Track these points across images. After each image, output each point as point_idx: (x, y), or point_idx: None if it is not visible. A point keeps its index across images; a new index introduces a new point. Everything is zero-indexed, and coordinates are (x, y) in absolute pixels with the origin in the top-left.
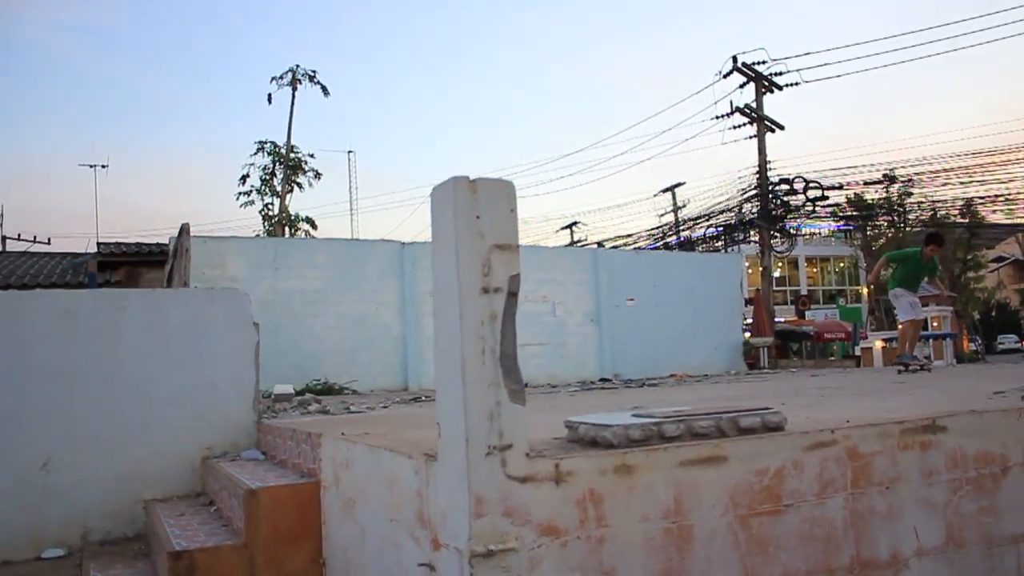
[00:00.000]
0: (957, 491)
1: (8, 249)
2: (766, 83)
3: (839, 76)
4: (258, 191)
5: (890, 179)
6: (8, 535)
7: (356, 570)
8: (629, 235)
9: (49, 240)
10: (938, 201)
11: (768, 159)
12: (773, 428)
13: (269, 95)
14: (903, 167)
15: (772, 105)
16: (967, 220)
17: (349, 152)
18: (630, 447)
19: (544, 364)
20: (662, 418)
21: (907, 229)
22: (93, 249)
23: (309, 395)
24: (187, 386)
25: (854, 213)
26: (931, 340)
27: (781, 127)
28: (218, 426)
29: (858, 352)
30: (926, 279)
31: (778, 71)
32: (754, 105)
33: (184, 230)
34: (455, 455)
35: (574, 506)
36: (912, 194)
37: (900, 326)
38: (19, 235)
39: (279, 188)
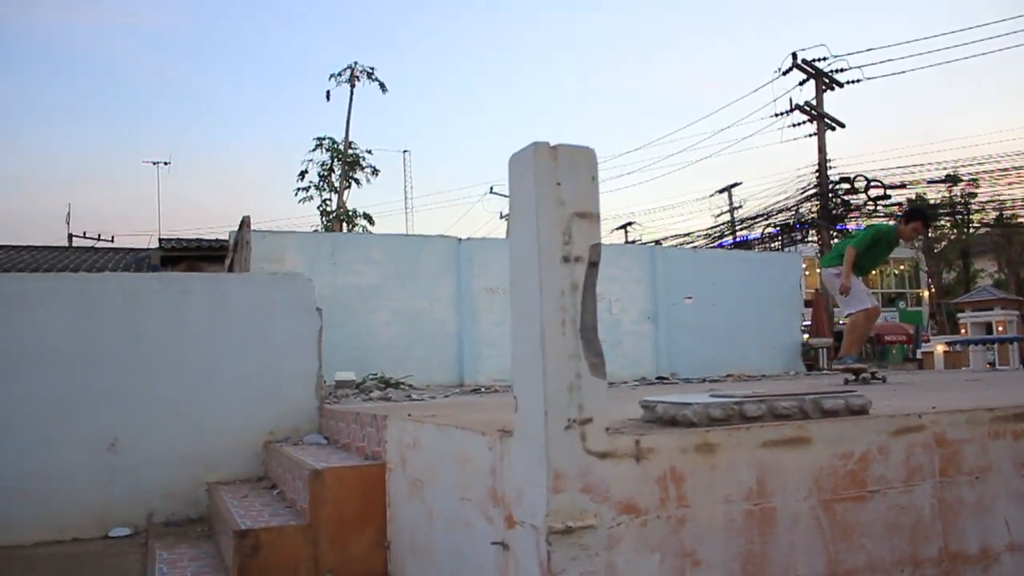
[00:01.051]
0: None
1: (74, 246)
2: (827, 80)
3: (902, 72)
4: (316, 187)
5: (953, 179)
6: (78, 513)
7: (423, 551)
8: (686, 235)
9: (112, 238)
10: (1005, 200)
11: (828, 157)
12: (857, 411)
13: (328, 92)
14: (967, 165)
15: (832, 102)
16: None
17: (404, 151)
18: (711, 426)
19: None
20: (743, 398)
21: (970, 231)
22: (155, 246)
23: (371, 382)
24: (250, 370)
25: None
26: (996, 344)
27: (842, 125)
28: (280, 410)
29: (919, 356)
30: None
31: (839, 68)
32: (814, 102)
33: (245, 223)
34: (533, 429)
35: (654, 484)
36: (976, 194)
37: (849, 319)
38: (84, 233)
39: (337, 184)
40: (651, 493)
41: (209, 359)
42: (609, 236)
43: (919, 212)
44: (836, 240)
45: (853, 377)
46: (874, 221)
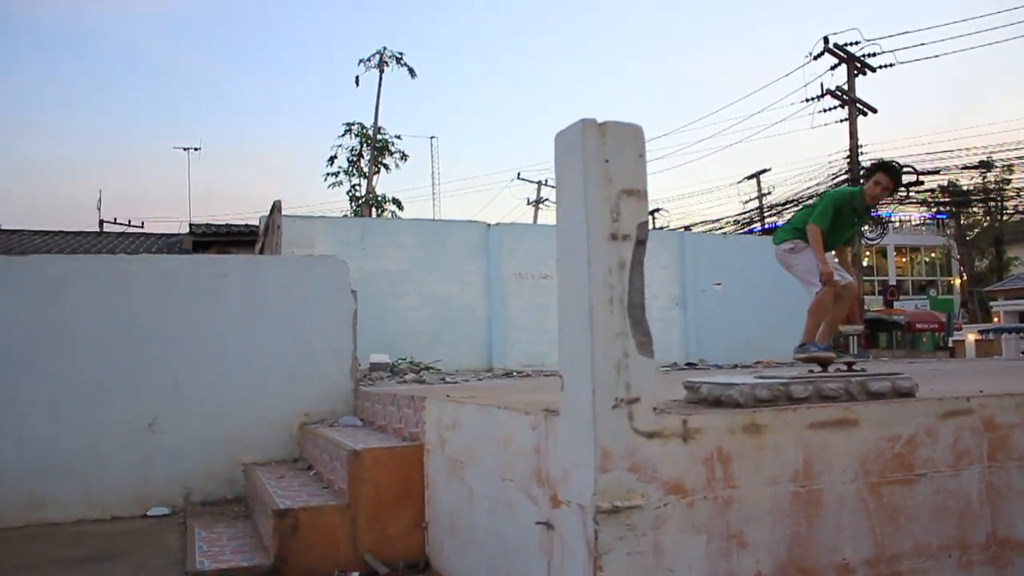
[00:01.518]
0: None
1: (105, 231)
2: (858, 64)
3: (935, 57)
4: (346, 172)
5: (987, 166)
6: (118, 492)
7: (463, 531)
8: (715, 221)
9: (143, 224)
10: None
11: (859, 143)
12: (904, 393)
13: (357, 77)
14: (1001, 152)
15: (864, 87)
16: None
17: (431, 138)
18: (757, 407)
19: None
20: (789, 379)
21: (1004, 218)
22: (185, 231)
23: (405, 365)
24: (285, 352)
25: (947, 200)
26: None
27: (874, 110)
28: (316, 392)
29: (951, 344)
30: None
31: (871, 52)
32: (846, 87)
33: (276, 207)
34: (580, 408)
35: (701, 465)
36: (1010, 180)
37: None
38: (115, 219)
39: (366, 169)
40: (698, 473)
41: (245, 341)
42: None
43: (881, 164)
44: (866, 227)
45: (820, 368)
46: (904, 209)
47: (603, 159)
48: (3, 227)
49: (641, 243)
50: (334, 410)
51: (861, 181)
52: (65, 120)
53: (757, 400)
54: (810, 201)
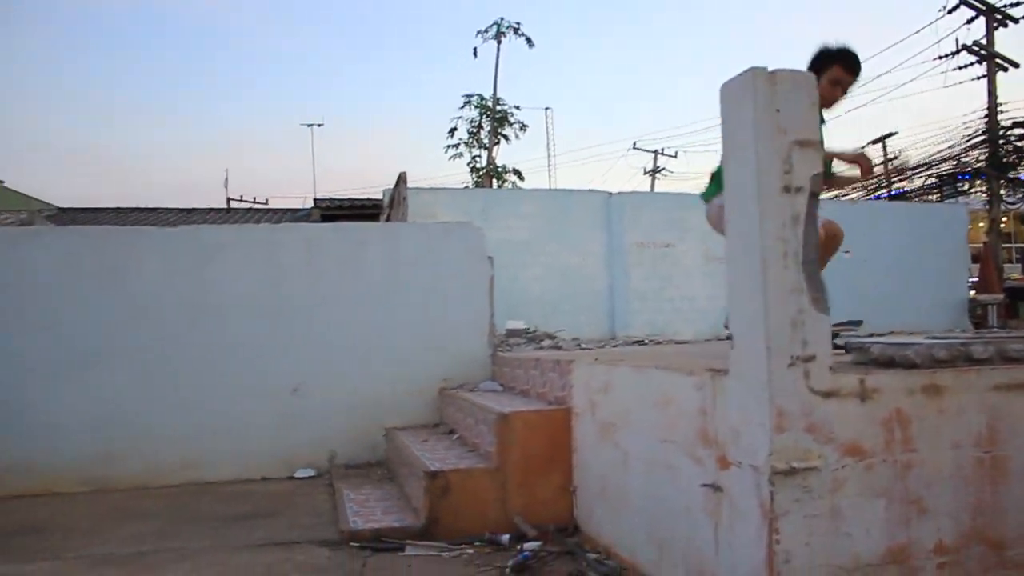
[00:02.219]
0: None
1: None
2: (999, 16)
3: None
4: (466, 144)
5: None
6: (266, 454)
7: (616, 495)
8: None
9: (267, 200)
10: None
11: (999, 101)
12: None
13: (475, 49)
14: None
15: (1004, 40)
16: None
17: (546, 109)
18: (936, 367)
19: None
20: (968, 339)
21: None
22: (309, 206)
23: (541, 332)
24: (424, 318)
25: None
26: None
27: (1015, 64)
28: (454, 358)
29: None
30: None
31: (1013, 1)
32: (983, 41)
33: (401, 179)
34: (753, 366)
35: (879, 426)
36: None
37: None
38: (241, 196)
39: (486, 141)
40: (876, 435)
41: (385, 307)
42: None
43: (832, 54)
44: (1007, 191)
45: None
46: None
47: (774, 108)
48: (143, 206)
49: (815, 196)
50: (472, 375)
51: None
52: (194, 104)
53: (935, 360)
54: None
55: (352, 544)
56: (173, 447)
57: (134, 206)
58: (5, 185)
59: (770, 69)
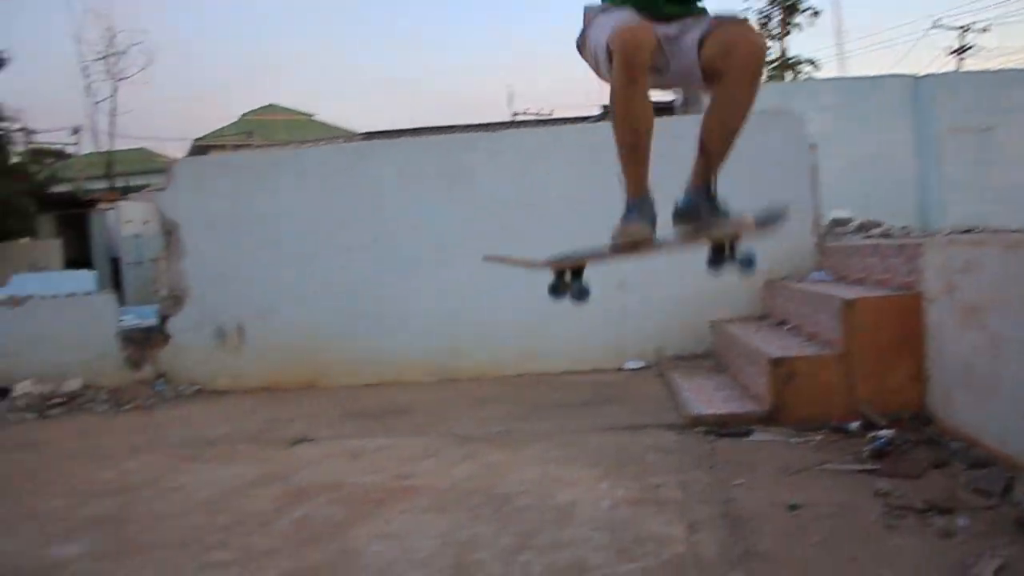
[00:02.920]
0: None
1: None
2: None
3: None
4: None
5: None
6: (597, 347)
7: (982, 383)
8: None
9: (552, 112)
10: None
11: None
12: None
13: None
14: None
15: None
16: None
17: None
18: None
19: None
20: None
21: None
22: (595, 113)
23: (869, 220)
24: (749, 210)
25: None
26: None
27: None
28: (778, 249)
29: None
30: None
31: None
32: None
33: None
34: None
35: None
36: None
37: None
38: (526, 110)
39: (776, 32)
40: None
41: None
42: None
43: None
44: None
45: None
46: None
47: None
48: (435, 125)
49: None
50: (797, 266)
51: None
52: (479, 25)
53: None
54: None
55: (696, 429)
56: (511, 340)
57: (428, 125)
58: (313, 118)
59: None
